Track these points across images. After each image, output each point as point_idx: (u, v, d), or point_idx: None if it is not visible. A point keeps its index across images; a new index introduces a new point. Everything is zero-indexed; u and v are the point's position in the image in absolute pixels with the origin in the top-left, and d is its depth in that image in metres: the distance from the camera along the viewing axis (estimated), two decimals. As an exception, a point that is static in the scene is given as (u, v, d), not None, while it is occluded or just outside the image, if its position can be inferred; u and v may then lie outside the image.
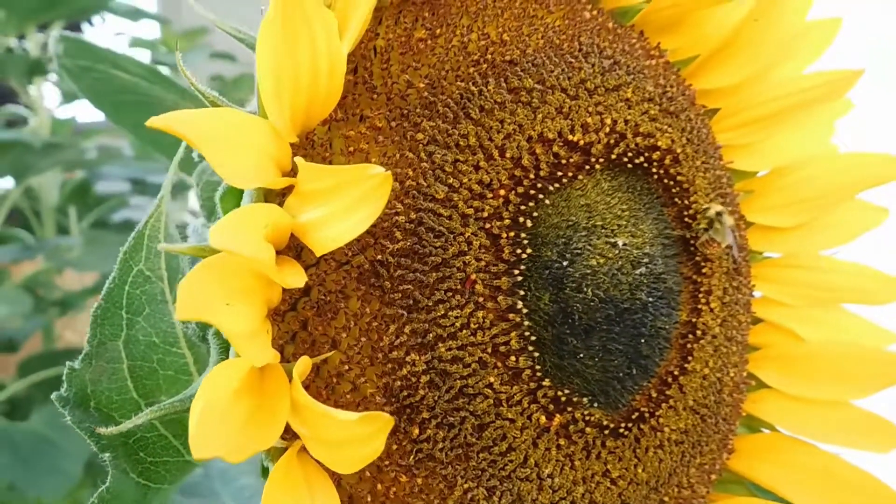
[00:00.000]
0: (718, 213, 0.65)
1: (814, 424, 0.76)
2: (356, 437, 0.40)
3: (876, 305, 0.78)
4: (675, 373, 0.63)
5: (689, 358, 0.64)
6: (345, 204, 0.40)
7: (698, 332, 0.65)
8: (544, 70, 0.57)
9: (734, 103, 0.76)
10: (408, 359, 0.50)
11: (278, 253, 0.48)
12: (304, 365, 0.44)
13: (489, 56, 0.56)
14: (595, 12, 0.67)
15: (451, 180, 0.52)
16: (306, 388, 0.50)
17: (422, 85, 0.53)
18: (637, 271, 0.59)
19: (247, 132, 0.40)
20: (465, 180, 0.52)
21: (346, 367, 0.49)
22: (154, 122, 0.35)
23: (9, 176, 2.28)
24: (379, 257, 0.49)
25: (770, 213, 0.79)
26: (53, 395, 0.52)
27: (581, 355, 0.57)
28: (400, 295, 0.50)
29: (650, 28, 0.73)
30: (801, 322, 0.78)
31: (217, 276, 0.36)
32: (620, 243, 0.58)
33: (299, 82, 0.44)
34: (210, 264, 0.36)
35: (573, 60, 0.59)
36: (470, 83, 0.54)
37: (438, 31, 0.56)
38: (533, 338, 0.54)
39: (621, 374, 0.60)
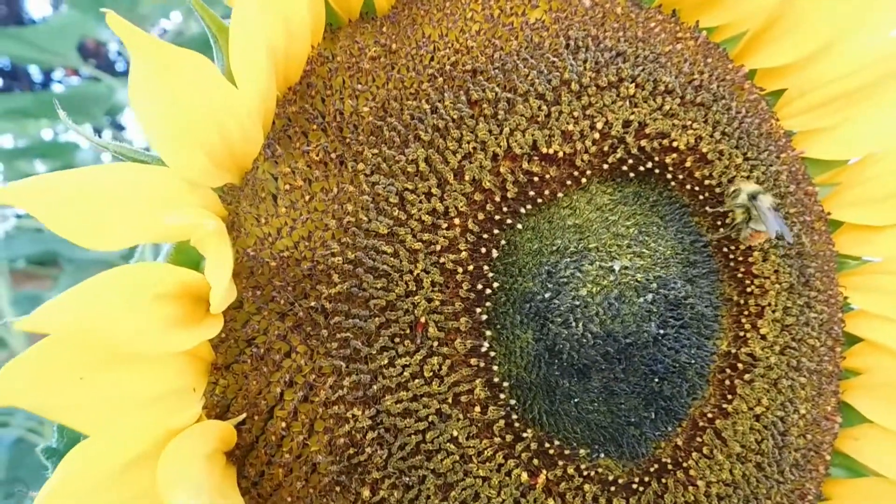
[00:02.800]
0: (752, 196, 0.53)
1: (931, 469, 0.61)
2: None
3: None
4: (710, 415, 0.53)
5: (730, 396, 0.54)
6: (210, 258, 0.37)
7: (741, 365, 0.54)
8: (516, 75, 0.50)
9: (802, 82, 0.64)
10: (349, 414, 0.45)
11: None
12: (213, 429, 0.41)
13: (448, 67, 0.50)
14: (602, -2, 0.58)
15: (396, 213, 0.46)
16: (250, 450, 0.47)
17: (367, 109, 0.49)
18: (642, 299, 0.50)
19: (125, 190, 0.38)
20: (414, 211, 0.47)
21: (284, 425, 0.46)
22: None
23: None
24: (313, 304, 0.45)
25: (863, 209, 0.65)
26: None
27: (577, 399, 0.50)
28: (337, 344, 0.45)
29: (685, 5, 0.63)
30: (911, 341, 0.64)
31: (52, 357, 0.34)
32: (618, 267, 0.50)
33: (202, 129, 0.41)
34: (41, 348, 0.34)
35: (556, 60, 0.52)
36: (423, 101, 0.49)
37: (395, 45, 0.51)
38: (507, 383, 0.48)
39: (637, 420, 0.51)
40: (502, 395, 0.47)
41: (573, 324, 0.48)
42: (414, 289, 0.46)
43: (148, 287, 0.39)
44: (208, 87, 0.40)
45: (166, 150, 0.41)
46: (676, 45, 0.58)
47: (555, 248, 0.49)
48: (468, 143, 0.48)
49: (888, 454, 0.62)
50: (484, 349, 0.46)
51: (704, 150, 0.55)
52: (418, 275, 0.46)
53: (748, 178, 0.56)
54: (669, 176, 0.54)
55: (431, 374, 0.46)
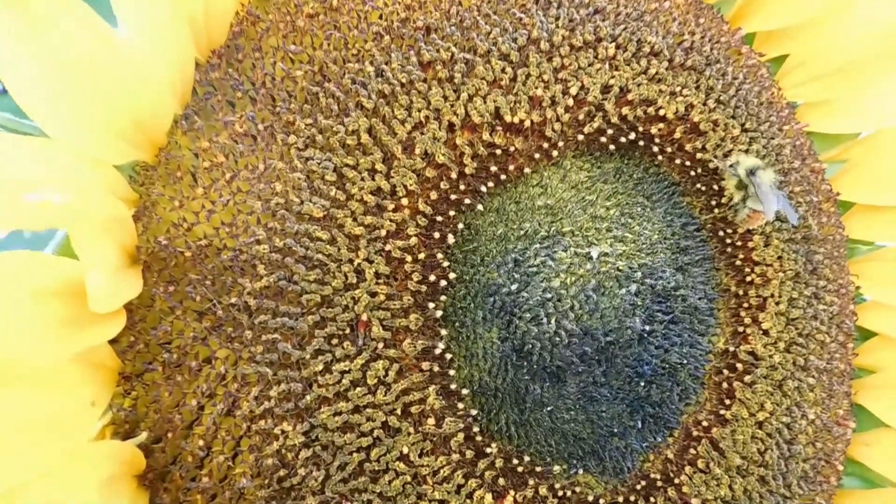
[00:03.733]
0: (751, 171, 0.47)
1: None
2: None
3: None
4: (706, 423, 0.46)
5: (729, 401, 0.47)
6: (73, 242, 0.30)
7: (741, 365, 0.47)
8: (476, 33, 0.43)
9: (807, 47, 0.57)
10: (278, 430, 0.38)
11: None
12: (112, 451, 0.34)
13: (397, 24, 0.43)
14: (579, -49, 0.51)
15: (333, 192, 0.40)
16: (165, 473, 0.40)
17: (301, 73, 0.42)
18: (624, 290, 0.43)
19: None
20: (355, 191, 0.40)
21: (203, 444, 0.39)
22: None
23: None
24: (235, 300, 0.39)
25: (876, 189, 0.58)
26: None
27: (551, 407, 0.43)
28: (263, 348, 0.38)
29: (674, -38, 0.56)
30: (931, 335, 0.57)
31: None
32: (596, 254, 0.43)
33: (88, 91, 0.35)
34: None
35: (523, 16, 0.45)
36: (367, 63, 0.42)
37: (336, 1, 0.44)
38: (468, 390, 0.41)
39: (621, 430, 0.45)
40: (461, 405, 0.40)
41: (544, 320, 0.42)
42: (354, 281, 0.39)
43: (22, 281, 0.32)
44: (91, 39, 0.33)
45: (43, 116, 0.34)
46: (664, 2, 0.51)
47: (522, 232, 0.43)
48: (419, 111, 0.41)
49: (907, 462, 0.55)
50: (439, 351, 0.40)
51: (696, 119, 0.48)
52: (359, 265, 0.39)
53: (747, 151, 0.49)
54: (656, 149, 0.47)
55: (376, 381, 0.39)
